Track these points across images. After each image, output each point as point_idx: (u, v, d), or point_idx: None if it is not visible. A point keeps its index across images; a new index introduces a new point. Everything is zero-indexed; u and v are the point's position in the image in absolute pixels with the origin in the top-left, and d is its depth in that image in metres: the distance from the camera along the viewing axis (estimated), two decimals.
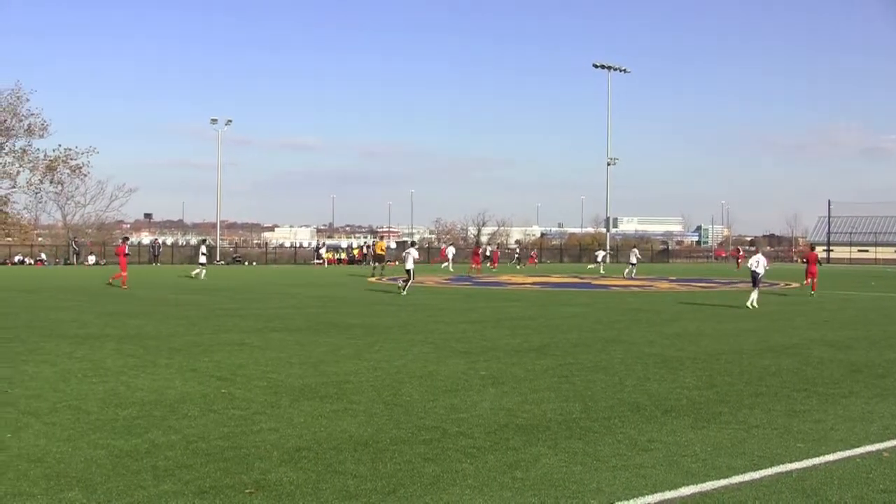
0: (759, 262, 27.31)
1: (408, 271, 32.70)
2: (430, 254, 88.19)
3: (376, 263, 50.72)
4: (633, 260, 53.72)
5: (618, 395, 10.98)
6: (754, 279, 27.13)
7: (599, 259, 63.25)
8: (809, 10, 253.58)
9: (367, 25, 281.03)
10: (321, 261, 79.95)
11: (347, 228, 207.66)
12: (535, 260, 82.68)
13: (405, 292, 31.80)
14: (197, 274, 45.14)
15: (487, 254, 66.96)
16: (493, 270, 61.05)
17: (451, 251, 65.52)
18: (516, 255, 77.24)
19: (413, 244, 37.02)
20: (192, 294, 31.82)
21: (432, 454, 7.79)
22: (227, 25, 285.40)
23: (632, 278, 50.30)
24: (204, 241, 59.81)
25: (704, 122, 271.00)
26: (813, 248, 39.98)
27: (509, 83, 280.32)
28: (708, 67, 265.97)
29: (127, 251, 38.16)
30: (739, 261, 74.25)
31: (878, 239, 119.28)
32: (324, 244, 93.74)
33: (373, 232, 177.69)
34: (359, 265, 75.78)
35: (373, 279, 45.20)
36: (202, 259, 46.67)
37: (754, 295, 27.00)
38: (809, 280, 35.21)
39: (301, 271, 59.62)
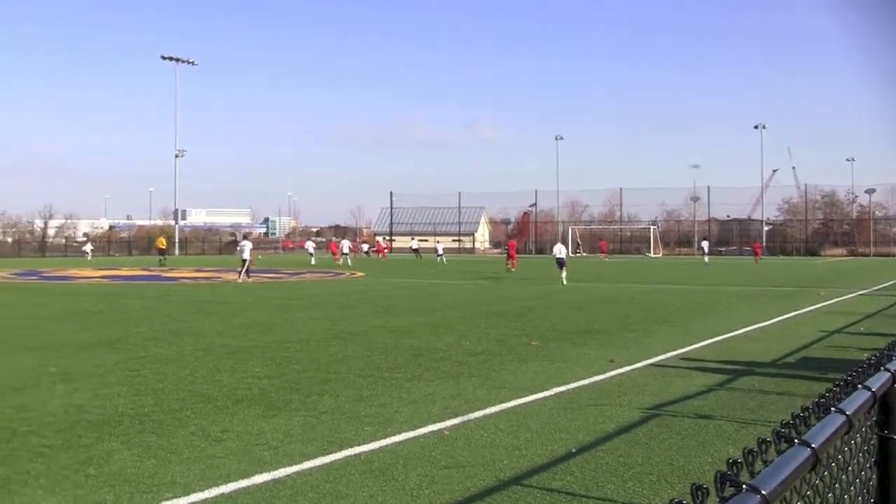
0: (560, 250, 35.84)
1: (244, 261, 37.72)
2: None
3: None
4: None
5: (189, 387, 10.80)
6: (560, 263, 34.93)
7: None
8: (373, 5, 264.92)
9: None
10: None
11: None
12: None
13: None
14: None
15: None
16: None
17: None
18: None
19: (245, 236, 44.14)
20: None
21: (1, 456, 7.35)
22: None
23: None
24: None
25: (273, 115, 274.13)
26: (512, 238, 49.73)
27: (64, 72, 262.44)
28: (276, 60, 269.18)
29: None
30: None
31: (438, 229, 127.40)
32: None
33: None
34: None
35: None
36: None
37: (564, 273, 34.48)
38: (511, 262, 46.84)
39: None
